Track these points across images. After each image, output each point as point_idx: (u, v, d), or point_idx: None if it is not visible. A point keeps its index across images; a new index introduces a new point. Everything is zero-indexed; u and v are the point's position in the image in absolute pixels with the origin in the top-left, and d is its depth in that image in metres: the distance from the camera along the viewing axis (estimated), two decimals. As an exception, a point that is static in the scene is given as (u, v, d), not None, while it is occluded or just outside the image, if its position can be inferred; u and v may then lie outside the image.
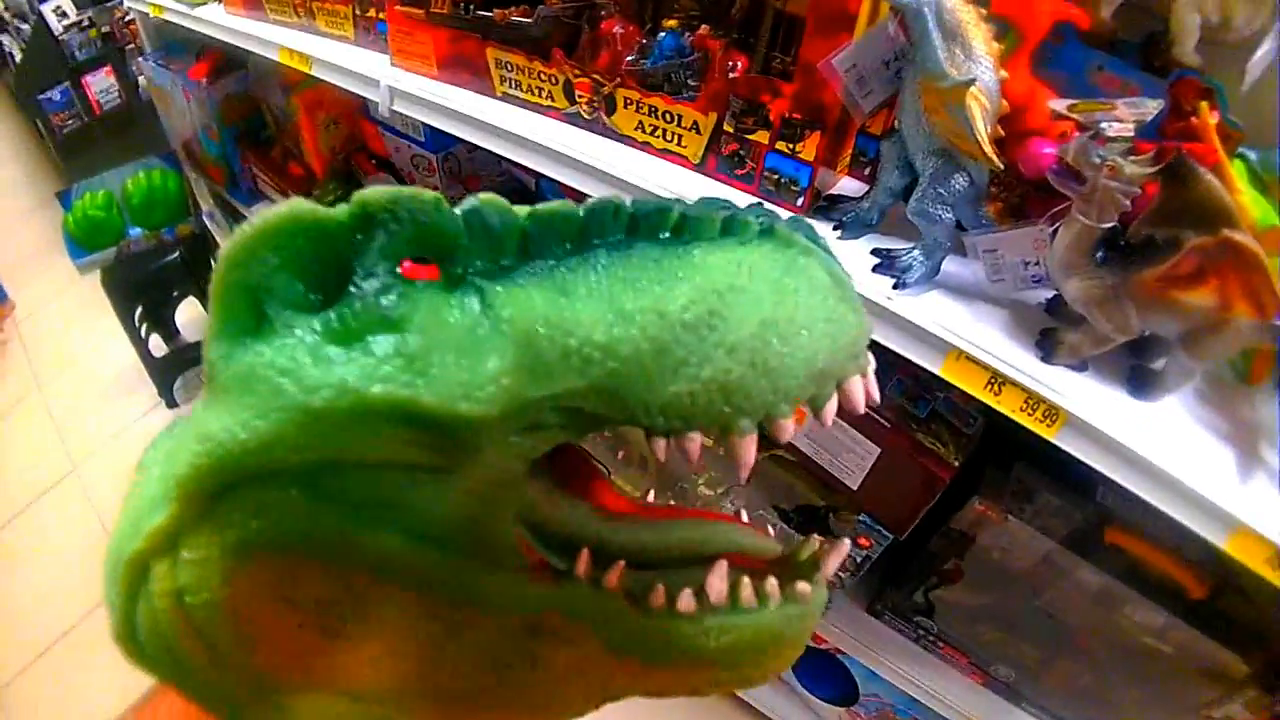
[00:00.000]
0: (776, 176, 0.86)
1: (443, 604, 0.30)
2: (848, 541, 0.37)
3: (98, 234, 2.30)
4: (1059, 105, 0.81)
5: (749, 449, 0.30)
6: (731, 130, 0.86)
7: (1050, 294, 0.80)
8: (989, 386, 0.76)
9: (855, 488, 1.09)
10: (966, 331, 0.77)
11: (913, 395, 1.04)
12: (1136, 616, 0.97)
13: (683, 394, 0.28)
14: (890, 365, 1.00)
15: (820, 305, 0.31)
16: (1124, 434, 0.69)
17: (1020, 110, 0.75)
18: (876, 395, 0.34)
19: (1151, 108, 0.78)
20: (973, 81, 0.68)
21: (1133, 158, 0.63)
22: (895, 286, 0.81)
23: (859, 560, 1.18)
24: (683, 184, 0.91)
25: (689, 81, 0.88)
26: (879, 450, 1.02)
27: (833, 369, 0.31)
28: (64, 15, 3.18)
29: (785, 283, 0.30)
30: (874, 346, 0.81)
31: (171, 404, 2.57)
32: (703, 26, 0.86)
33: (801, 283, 0.31)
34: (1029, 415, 0.74)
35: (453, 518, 0.29)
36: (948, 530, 1.08)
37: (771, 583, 0.33)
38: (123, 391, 2.69)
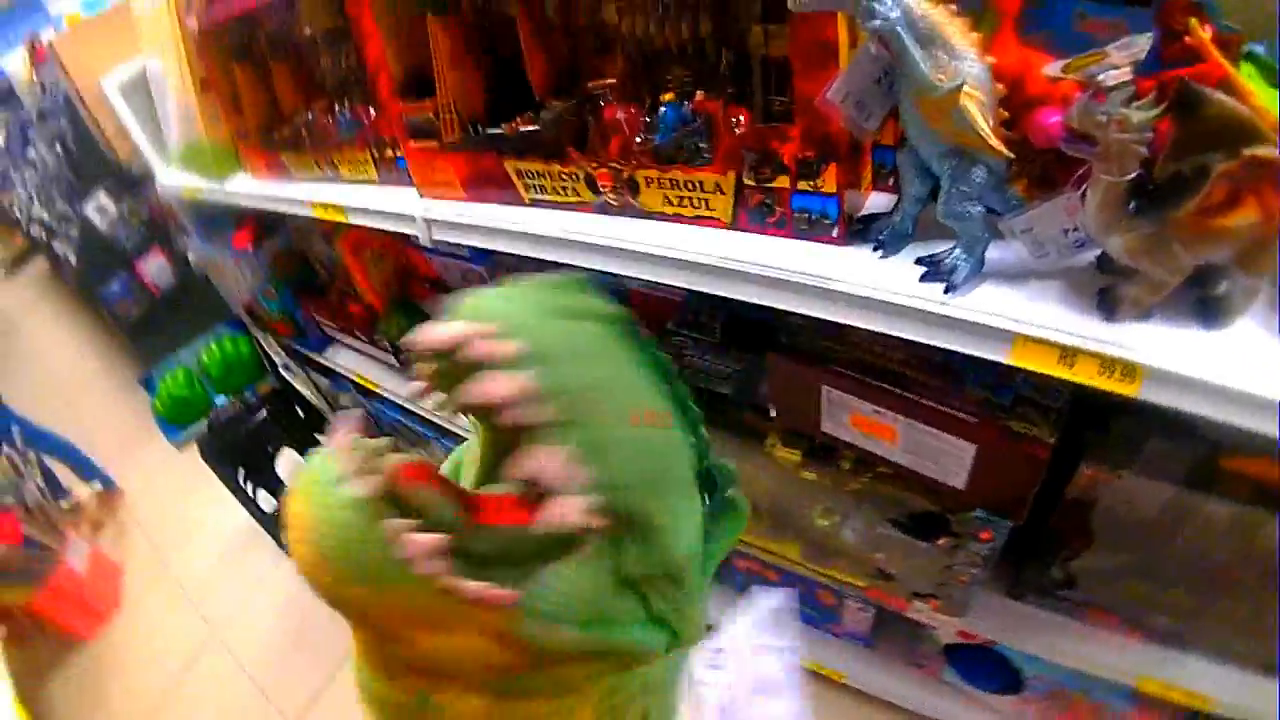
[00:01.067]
0: (807, 215, 0.88)
1: None
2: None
3: (186, 410, 2.44)
4: (1052, 69, 0.80)
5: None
6: (753, 183, 0.89)
7: (1099, 251, 0.79)
8: (1061, 361, 0.76)
9: (962, 487, 1.09)
10: (1025, 314, 0.77)
11: (992, 385, 1.03)
12: (1278, 535, 0.94)
13: None
14: (965, 365, 1.01)
15: None
16: (1206, 370, 0.68)
17: (1019, 82, 0.76)
18: None
19: (1142, 43, 0.77)
20: (962, 85, 0.69)
21: (1137, 104, 0.63)
22: (946, 291, 0.81)
23: (984, 554, 1.17)
24: (721, 245, 0.94)
25: (700, 146, 0.91)
26: (974, 446, 1.02)
27: None
28: (105, 211, 3.39)
29: None
30: (940, 351, 0.83)
31: (294, 551, 2.65)
32: (699, 92, 0.90)
33: None
34: (1108, 378, 0.73)
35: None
36: (1066, 501, 1.07)
37: None
38: (243, 552, 2.80)
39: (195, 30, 1.66)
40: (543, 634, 0.43)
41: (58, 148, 3.39)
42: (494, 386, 0.41)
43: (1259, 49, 0.72)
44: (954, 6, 0.72)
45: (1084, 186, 0.71)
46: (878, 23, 0.70)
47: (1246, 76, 0.68)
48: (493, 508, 0.45)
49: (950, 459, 1.06)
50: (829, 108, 0.79)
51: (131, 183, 3.29)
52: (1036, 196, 0.80)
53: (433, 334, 0.42)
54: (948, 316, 0.80)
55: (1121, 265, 0.73)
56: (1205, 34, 0.69)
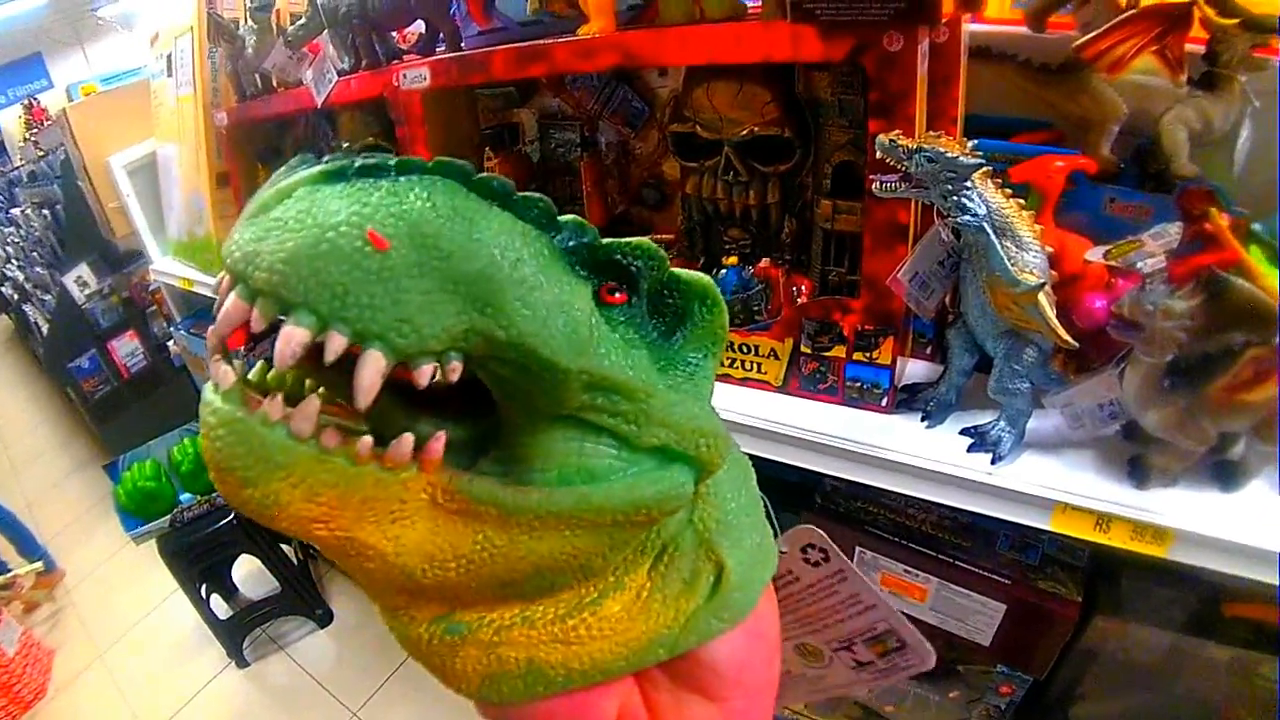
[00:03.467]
0: (859, 384, 0.89)
1: None
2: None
3: (150, 504, 2.33)
4: (1095, 255, 0.85)
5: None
6: (809, 350, 0.90)
7: (1125, 421, 0.82)
8: (1097, 527, 0.79)
9: (988, 644, 1.08)
10: (1064, 483, 0.80)
11: (1020, 546, 1.04)
12: (1274, 675, 0.97)
13: None
14: (995, 526, 1.02)
15: None
16: (1228, 530, 0.72)
17: (1055, 261, 0.80)
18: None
19: (1174, 232, 0.82)
20: (1043, 285, 0.72)
21: (1177, 293, 0.68)
22: (993, 462, 0.83)
23: (1003, 707, 1.17)
24: (767, 407, 0.94)
25: (755, 310, 0.92)
26: (1004, 607, 1.03)
27: None
28: (85, 285, 3.33)
29: None
30: (969, 514, 0.83)
31: (242, 664, 2.52)
32: (763, 259, 0.91)
33: None
34: (1139, 542, 0.77)
35: None
36: (1074, 651, 1.08)
37: None
38: (188, 655, 2.64)
39: (223, 125, 1.67)
40: (501, 494, 0.38)
41: (46, 213, 3.36)
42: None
43: (1258, 227, 0.77)
44: (1020, 200, 0.75)
45: (1122, 366, 0.76)
46: (967, 218, 0.72)
47: (1255, 259, 0.73)
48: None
49: (980, 618, 1.06)
50: (898, 286, 0.80)
51: (117, 261, 3.25)
52: (1071, 369, 0.83)
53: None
54: (993, 485, 0.82)
55: (1149, 434, 0.76)
56: (1224, 221, 0.74)
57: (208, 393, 0.35)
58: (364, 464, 0.34)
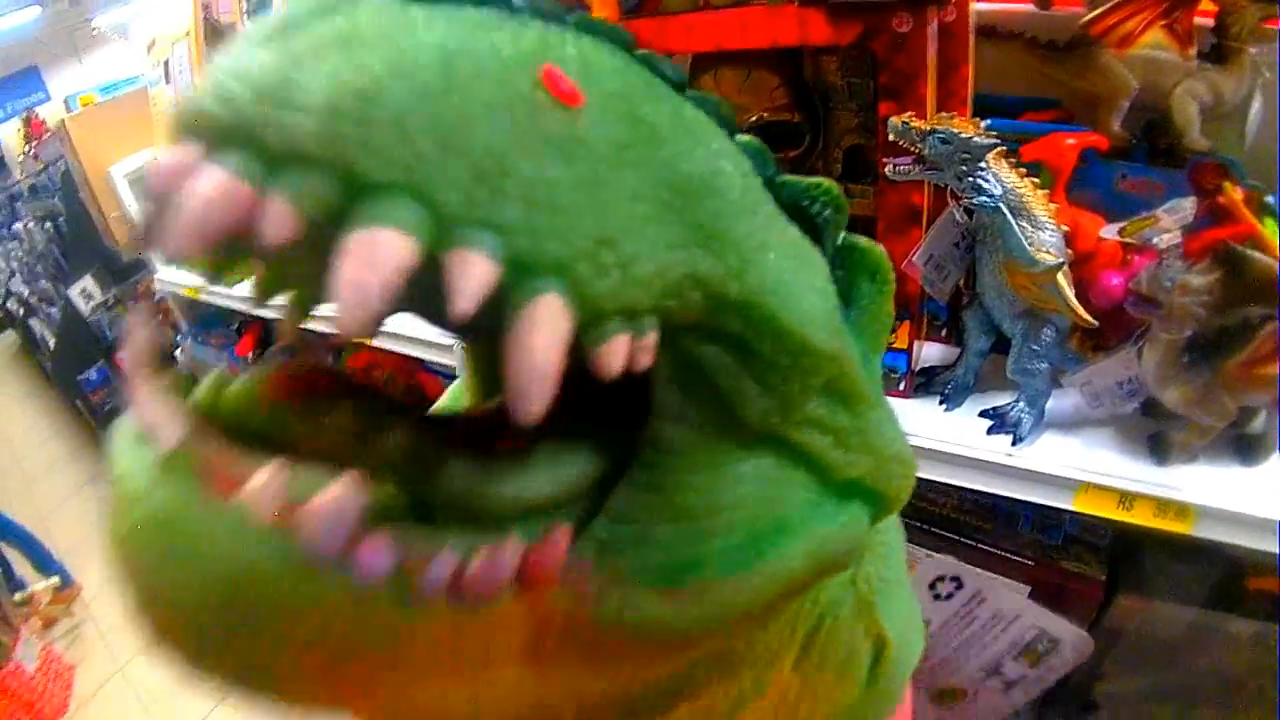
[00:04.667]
0: (877, 369, 0.89)
1: None
2: None
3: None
4: (1109, 232, 0.85)
5: None
6: (826, 336, 0.89)
7: (1144, 398, 0.83)
8: (1121, 506, 0.79)
9: (1015, 628, 1.07)
10: (1085, 462, 0.80)
11: (1042, 527, 1.04)
12: None
13: None
14: (1017, 508, 1.02)
15: None
16: (1252, 505, 0.72)
17: (1069, 239, 0.79)
18: None
19: (1188, 207, 0.82)
20: (1062, 265, 0.72)
21: (1195, 268, 0.68)
22: (1014, 443, 0.83)
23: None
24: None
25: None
26: (1028, 588, 1.02)
27: None
28: (90, 297, 3.33)
29: None
30: (991, 496, 0.83)
31: (262, 670, 2.51)
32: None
33: None
34: (1163, 519, 0.77)
35: None
36: (1097, 630, 1.06)
37: None
38: (209, 666, 2.63)
39: (224, 134, 1.66)
40: (655, 612, 0.23)
41: (48, 226, 3.36)
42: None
43: (1271, 199, 0.76)
44: (1035, 179, 0.75)
45: (1140, 343, 0.76)
46: (983, 199, 0.72)
47: (1270, 231, 0.72)
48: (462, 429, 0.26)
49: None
50: (913, 270, 0.80)
51: (121, 272, 3.25)
52: (1088, 348, 0.84)
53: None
54: (1016, 467, 0.82)
55: (1168, 411, 0.77)
56: (1237, 195, 0.73)
57: (125, 451, 0.22)
58: (434, 605, 0.19)
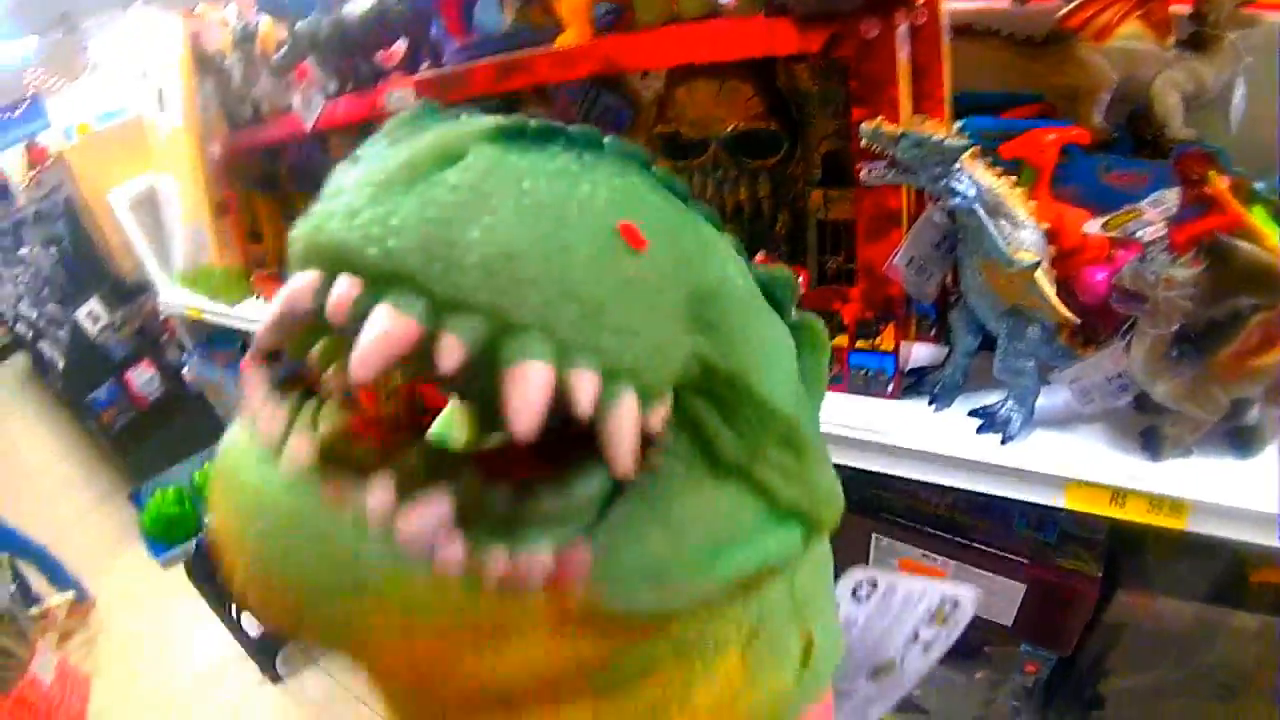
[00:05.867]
0: (864, 372, 0.89)
1: None
2: None
3: (175, 529, 2.35)
4: (1093, 227, 0.84)
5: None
6: (809, 342, 0.89)
7: (1136, 393, 0.81)
8: (1113, 502, 0.77)
9: (1010, 625, 1.07)
10: (1076, 459, 0.79)
11: (1037, 524, 1.04)
12: None
13: None
14: (1011, 506, 1.01)
15: None
16: (1246, 498, 0.70)
17: (1054, 235, 0.80)
18: None
19: (1171, 199, 0.81)
20: (1039, 263, 0.71)
21: (1179, 261, 0.67)
22: (1003, 442, 0.83)
23: (1029, 686, 1.16)
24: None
25: (756, 304, 0.91)
26: (1024, 586, 1.02)
27: None
28: (97, 319, 3.35)
29: None
30: (986, 495, 0.83)
31: (276, 679, 2.54)
32: (759, 252, 0.91)
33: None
34: (1157, 515, 0.76)
35: None
36: (1099, 627, 1.07)
37: None
38: (222, 675, 2.67)
39: (216, 156, 1.68)
40: (643, 599, 0.30)
41: (53, 250, 3.38)
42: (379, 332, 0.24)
43: (1259, 186, 0.75)
44: (1013, 177, 0.75)
45: (1128, 337, 0.74)
46: (957, 201, 0.71)
47: (1258, 219, 0.72)
48: (497, 462, 0.30)
49: (1000, 599, 1.05)
50: (894, 273, 0.80)
51: (127, 293, 3.27)
52: (1078, 343, 0.83)
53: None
54: (1005, 466, 0.81)
55: (1160, 405, 0.75)
56: (1223, 184, 0.72)
57: (254, 463, 0.27)
58: (488, 589, 0.26)
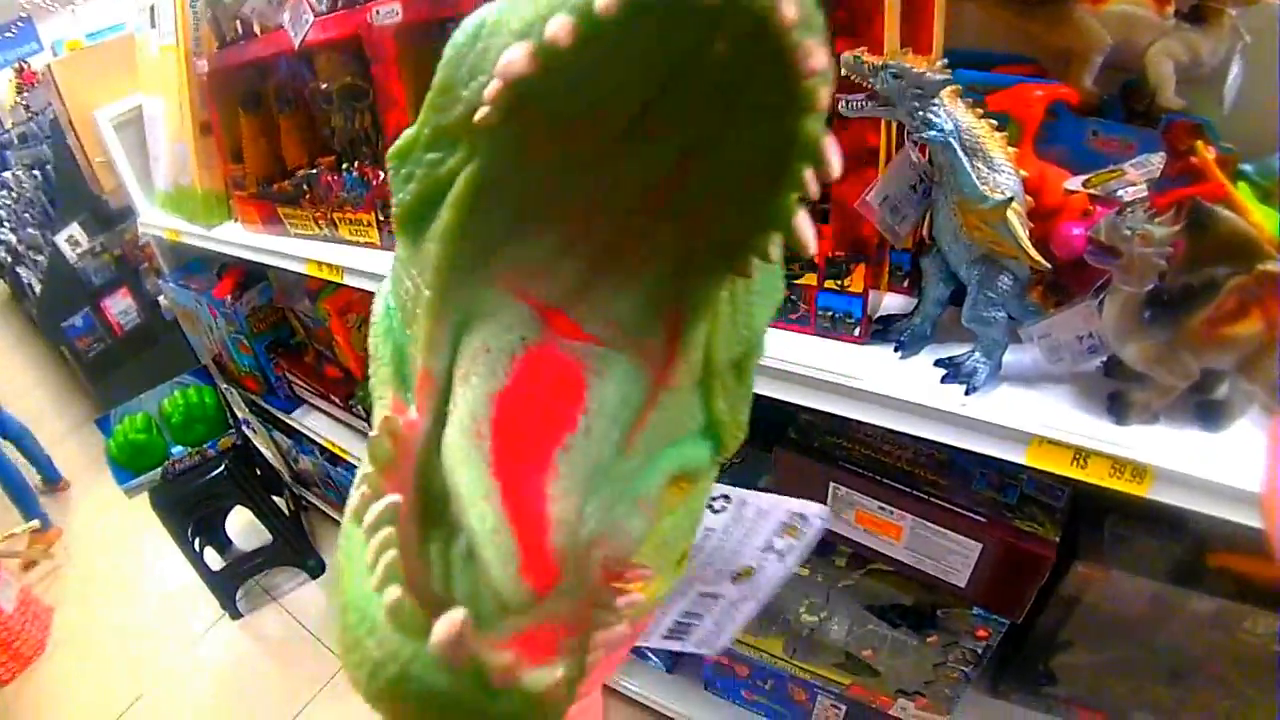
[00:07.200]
0: (831, 314, 0.88)
1: None
2: None
3: (141, 457, 2.34)
4: (1074, 184, 0.84)
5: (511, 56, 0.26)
6: (780, 278, 0.89)
7: (1105, 356, 0.82)
8: (1074, 463, 0.77)
9: (963, 585, 1.08)
10: (1040, 416, 0.79)
11: (998, 485, 1.04)
12: (1259, 628, 0.98)
13: (467, 66, 0.29)
14: (972, 464, 1.02)
15: None
16: (1210, 470, 0.70)
17: (1035, 192, 0.79)
18: None
19: (1155, 162, 0.81)
20: (1011, 200, 0.71)
21: (1158, 220, 0.66)
22: (967, 392, 0.82)
23: (980, 651, 1.17)
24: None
25: (727, 239, 0.90)
26: (980, 545, 1.02)
27: None
28: (77, 244, 3.32)
29: None
30: (947, 450, 0.83)
31: (235, 615, 2.55)
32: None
33: None
34: (1118, 479, 0.75)
35: None
36: (1056, 598, 1.09)
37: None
38: (183, 608, 2.67)
39: (204, 73, 1.65)
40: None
41: (37, 173, 3.34)
42: None
43: (1249, 167, 0.77)
44: (994, 121, 0.74)
45: (1101, 296, 0.74)
46: (933, 133, 0.71)
47: (1242, 195, 0.72)
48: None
49: (955, 558, 1.06)
50: (867, 210, 0.79)
51: (108, 219, 3.24)
52: (1050, 303, 0.83)
53: None
54: (968, 417, 0.81)
55: (1131, 370, 0.75)
56: (1210, 156, 0.73)
57: (384, 615, 0.23)
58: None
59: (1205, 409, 0.76)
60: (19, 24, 4.56)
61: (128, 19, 2.17)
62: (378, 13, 1.13)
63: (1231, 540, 0.95)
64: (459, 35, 0.30)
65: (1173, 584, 1.00)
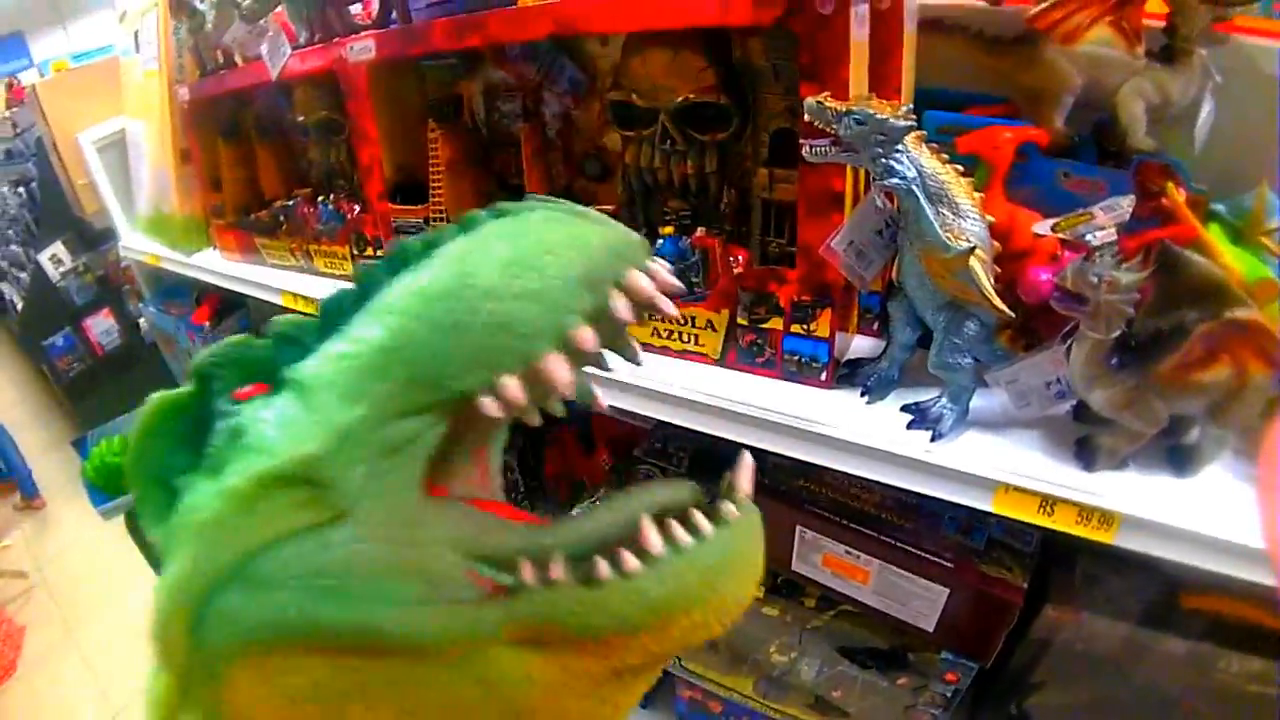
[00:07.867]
0: (797, 358, 0.88)
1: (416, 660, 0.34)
2: (748, 454, 0.40)
3: (117, 479, 2.31)
4: (1042, 228, 0.83)
5: (557, 369, 0.32)
6: (745, 322, 0.88)
7: (1074, 401, 0.81)
8: (1041, 510, 0.77)
9: (931, 629, 1.07)
10: (1007, 463, 0.78)
11: (966, 529, 1.03)
12: (1233, 668, 0.96)
13: (469, 347, 0.31)
14: (941, 507, 1.00)
15: (557, 231, 0.34)
16: (1178, 517, 0.69)
17: (1005, 236, 0.79)
18: (670, 280, 0.37)
19: (1125, 205, 0.81)
20: (974, 249, 0.70)
21: (1125, 265, 0.65)
22: (933, 439, 0.81)
23: (949, 695, 1.15)
24: (706, 381, 0.92)
25: (693, 281, 0.90)
26: (947, 590, 1.01)
27: (598, 272, 0.33)
28: (60, 262, 3.30)
29: (516, 230, 0.34)
30: (915, 495, 0.82)
31: (210, 637, 2.49)
32: (699, 229, 0.89)
33: (532, 225, 0.34)
34: (1085, 526, 0.75)
35: (384, 567, 0.33)
36: (1027, 641, 1.06)
37: (696, 515, 0.36)
38: (158, 630, 2.62)
39: (185, 100, 1.65)
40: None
41: (21, 191, 3.33)
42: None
43: (1220, 207, 0.78)
44: (960, 166, 0.74)
45: (1069, 341, 0.73)
46: (895, 180, 0.71)
47: (1214, 236, 0.72)
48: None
49: (922, 602, 1.04)
50: (832, 256, 0.79)
51: (91, 239, 3.23)
52: (1020, 346, 0.83)
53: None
54: (933, 464, 0.80)
55: (1099, 415, 0.74)
56: (1180, 197, 0.73)
57: None
58: None
59: (1176, 454, 0.75)
60: (9, 39, 4.56)
61: (116, 41, 2.18)
62: (352, 49, 1.13)
63: (1205, 583, 0.94)
64: (433, 285, 0.34)
65: (1146, 626, 0.98)
